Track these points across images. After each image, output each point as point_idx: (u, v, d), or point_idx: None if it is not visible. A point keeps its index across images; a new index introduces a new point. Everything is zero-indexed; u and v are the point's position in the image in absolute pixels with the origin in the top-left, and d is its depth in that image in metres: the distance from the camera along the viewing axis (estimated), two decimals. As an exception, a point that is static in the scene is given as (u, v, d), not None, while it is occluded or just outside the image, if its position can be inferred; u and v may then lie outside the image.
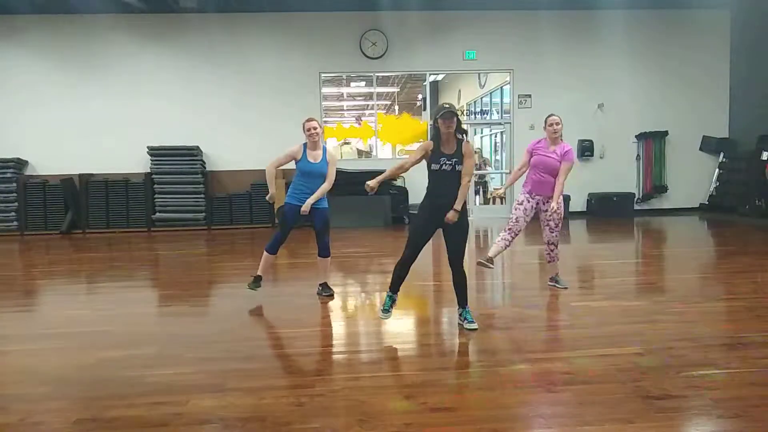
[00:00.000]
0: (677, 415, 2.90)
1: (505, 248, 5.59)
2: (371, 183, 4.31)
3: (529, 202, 5.49)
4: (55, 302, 6.12)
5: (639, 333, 4.20)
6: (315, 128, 5.34)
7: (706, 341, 4.01)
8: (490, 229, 11.35)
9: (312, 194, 5.32)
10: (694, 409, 2.98)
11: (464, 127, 4.36)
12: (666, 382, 3.26)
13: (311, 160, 5.33)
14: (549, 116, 5.52)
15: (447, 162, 4.20)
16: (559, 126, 5.43)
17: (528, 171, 5.58)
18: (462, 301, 4.42)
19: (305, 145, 5.38)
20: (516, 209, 5.54)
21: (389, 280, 6.40)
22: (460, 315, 4.41)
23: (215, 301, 6.19)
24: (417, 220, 4.47)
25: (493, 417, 2.90)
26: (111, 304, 5.72)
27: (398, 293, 4.53)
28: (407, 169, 4.51)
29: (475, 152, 4.17)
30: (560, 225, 5.52)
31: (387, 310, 4.51)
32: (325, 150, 5.43)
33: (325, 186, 5.37)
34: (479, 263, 5.56)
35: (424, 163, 4.37)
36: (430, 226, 4.36)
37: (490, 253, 5.58)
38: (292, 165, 5.50)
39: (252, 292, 5.51)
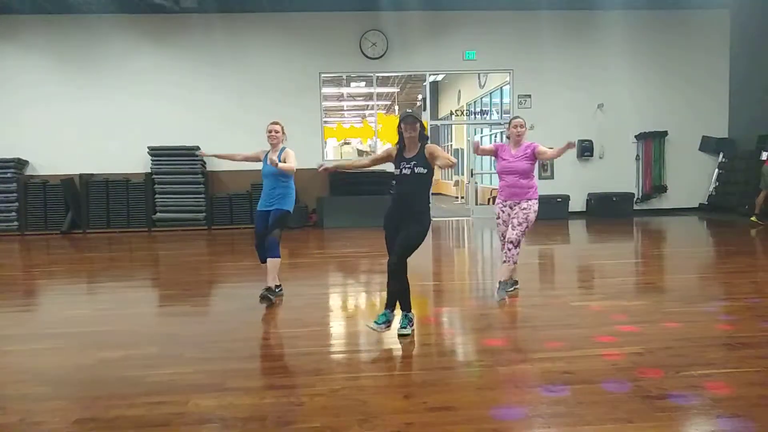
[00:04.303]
0: (677, 415, 2.90)
1: (515, 263, 5.35)
2: (327, 166, 4.71)
3: (503, 212, 5.41)
4: (56, 302, 6.12)
5: (639, 333, 4.20)
6: (277, 131, 5.45)
7: (706, 341, 4.02)
8: (490, 230, 11.35)
9: (270, 196, 5.38)
10: (694, 408, 2.98)
11: (427, 133, 4.37)
12: (666, 382, 3.27)
13: (267, 162, 5.36)
14: (514, 118, 5.51)
15: (406, 166, 4.24)
16: (523, 129, 5.39)
17: (499, 179, 5.48)
18: (390, 304, 4.32)
19: (268, 152, 5.45)
20: (498, 225, 5.51)
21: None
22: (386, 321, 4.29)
23: (215, 301, 6.19)
24: (384, 225, 4.38)
25: (492, 417, 2.91)
26: (111, 304, 5.73)
27: (393, 309, 4.34)
28: (367, 166, 4.73)
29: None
30: (524, 225, 5.25)
31: (404, 326, 4.28)
32: (282, 150, 5.43)
33: (291, 165, 5.27)
34: (507, 292, 5.33)
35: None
36: (394, 230, 4.30)
37: (500, 277, 5.34)
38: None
39: (255, 293, 5.51)
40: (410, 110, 4.39)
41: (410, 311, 4.36)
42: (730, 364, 3.59)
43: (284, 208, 5.45)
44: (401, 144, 4.34)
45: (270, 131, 5.48)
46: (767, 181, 10.70)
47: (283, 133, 5.53)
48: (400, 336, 4.24)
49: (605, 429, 2.75)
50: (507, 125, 5.55)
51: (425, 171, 4.24)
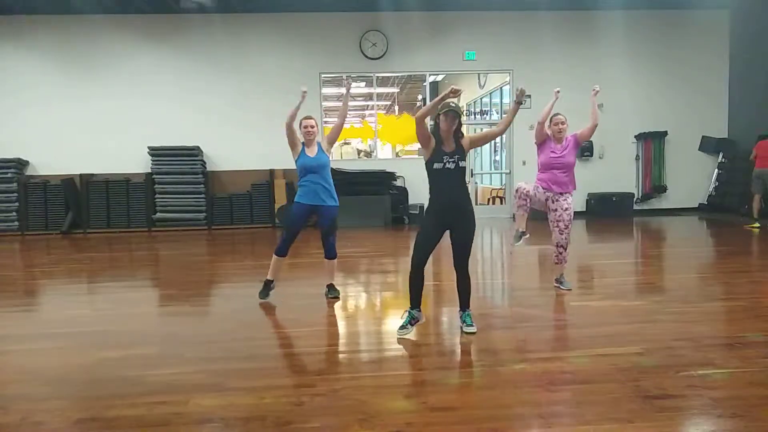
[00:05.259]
0: (677, 415, 2.91)
1: (526, 214, 5.55)
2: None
3: (537, 193, 5.44)
4: (56, 302, 6.12)
5: (639, 333, 4.20)
6: (312, 126, 5.35)
7: (706, 341, 4.02)
8: (491, 230, 11.35)
9: (321, 187, 5.27)
10: (694, 408, 2.98)
11: (463, 129, 4.33)
12: (665, 382, 3.27)
13: (310, 155, 5.33)
14: (555, 115, 5.48)
15: (450, 160, 4.13)
16: (565, 125, 5.42)
17: (539, 167, 5.51)
18: (464, 304, 4.37)
19: (303, 144, 5.40)
20: (527, 191, 5.44)
21: (389, 279, 6.40)
22: (461, 317, 4.39)
23: (215, 300, 6.19)
24: (423, 224, 4.34)
25: (493, 416, 2.91)
26: (111, 304, 5.73)
27: (420, 309, 4.32)
28: (423, 118, 4.14)
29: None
30: (570, 227, 5.45)
31: (404, 326, 4.25)
32: (319, 144, 5.41)
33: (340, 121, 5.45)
34: (515, 244, 5.62)
35: (422, 164, 4.32)
36: (438, 230, 4.23)
37: (519, 226, 5.59)
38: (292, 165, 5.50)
39: (255, 293, 5.51)
40: (453, 103, 4.17)
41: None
42: (730, 363, 3.59)
43: (337, 205, 5.45)
44: (437, 136, 4.18)
45: (306, 126, 5.33)
46: (758, 185, 10.58)
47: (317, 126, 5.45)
48: (469, 334, 4.22)
49: (605, 429, 2.76)
50: (548, 123, 5.52)
51: (465, 164, 4.24)
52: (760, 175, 10.47)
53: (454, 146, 4.19)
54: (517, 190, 5.53)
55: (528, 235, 5.61)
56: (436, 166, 4.16)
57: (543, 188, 5.45)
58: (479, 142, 4.47)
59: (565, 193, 5.43)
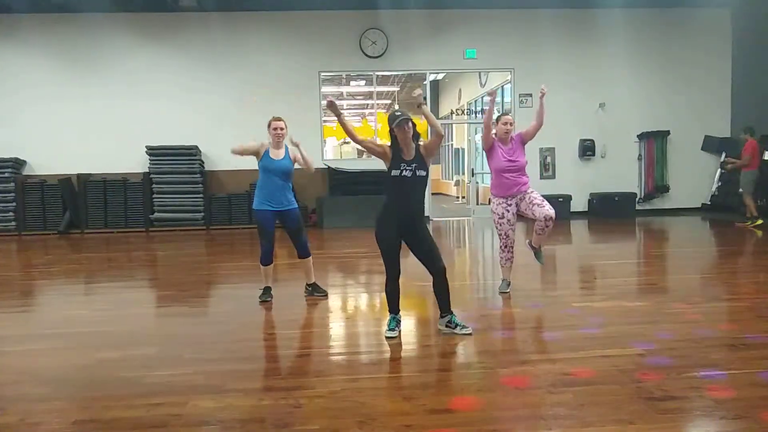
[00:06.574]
0: (679, 416, 2.89)
1: (512, 264, 5.57)
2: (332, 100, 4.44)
3: (508, 211, 5.35)
4: (54, 302, 6.10)
5: (640, 334, 4.18)
6: (282, 128, 5.34)
7: (708, 342, 3.99)
8: (492, 230, 11.33)
9: (283, 191, 5.29)
10: (696, 410, 2.96)
11: (418, 131, 4.27)
12: (668, 383, 3.25)
13: (273, 158, 5.31)
14: (504, 115, 5.43)
15: (407, 168, 4.14)
16: (512, 126, 5.35)
17: (493, 174, 5.41)
18: (444, 308, 4.31)
19: (269, 146, 5.38)
20: (501, 225, 5.38)
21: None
22: (449, 323, 4.30)
23: (214, 301, 6.17)
24: (383, 236, 4.23)
25: (493, 418, 2.89)
26: (110, 305, 5.71)
27: (400, 312, 4.37)
28: (357, 141, 4.36)
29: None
30: (545, 200, 5.31)
31: (393, 329, 4.30)
32: (287, 148, 5.40)
33: (310, 163, 5.43)
34: (502, 293, 5.51)
35: None
36: (395, 238, 4.21)
37: (505, 276, 5.58)
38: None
39: (254, 294, 5.49)
40: (399, 111, 4.23)
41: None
42: (733, 365, 3.56)
43: (298, 207, 5.48)
44: (396, 146, 4.21)
45: (276, 128, 5.33)
46: (748, 187, 10.51)
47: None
48: (466, 335, 4.20)
49: (606, 430, 2.73)
50: (494, 122, 5.45)
51: (425, 174, 4.22)
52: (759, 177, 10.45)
53: (414, 154, 4.19)
54: (506, 246, 5.46)
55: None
56: (393, 173, 4.19)
57: (504, 196, 5.34)
58: (430, 149, 4.32)
59: (526, 192, 5.32)
